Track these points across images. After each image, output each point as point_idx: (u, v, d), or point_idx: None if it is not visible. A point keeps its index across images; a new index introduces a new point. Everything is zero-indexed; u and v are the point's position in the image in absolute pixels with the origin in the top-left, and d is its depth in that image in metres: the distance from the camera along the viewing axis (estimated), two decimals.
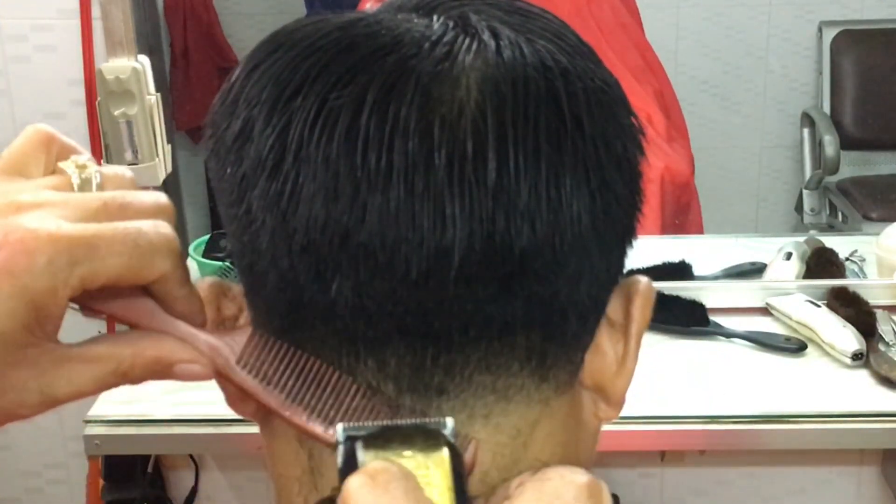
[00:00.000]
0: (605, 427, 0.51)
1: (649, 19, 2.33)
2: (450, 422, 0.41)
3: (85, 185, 0.45)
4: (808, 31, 2.84)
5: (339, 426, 0.40)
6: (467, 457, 0.43)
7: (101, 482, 1.80)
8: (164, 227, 0.43)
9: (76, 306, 0.44)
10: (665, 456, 1.82)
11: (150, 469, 1.81)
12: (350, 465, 0.39)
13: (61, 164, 0.45)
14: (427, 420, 0.41)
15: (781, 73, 2.87)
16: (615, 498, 1.85)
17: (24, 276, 0.40)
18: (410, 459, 0.40)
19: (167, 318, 0.45)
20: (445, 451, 0.40)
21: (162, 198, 0.46)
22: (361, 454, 0.40)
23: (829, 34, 2.81)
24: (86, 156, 0.46)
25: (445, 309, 0.42)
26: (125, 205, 0.44)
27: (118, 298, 0.45)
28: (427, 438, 0.41)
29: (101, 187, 0.45)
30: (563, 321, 0.45)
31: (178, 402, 1.49)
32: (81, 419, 1.50)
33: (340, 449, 0.40)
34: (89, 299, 0.44)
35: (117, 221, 0.42)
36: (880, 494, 1.82)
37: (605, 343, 0.48)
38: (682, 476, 1.86)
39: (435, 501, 0.39)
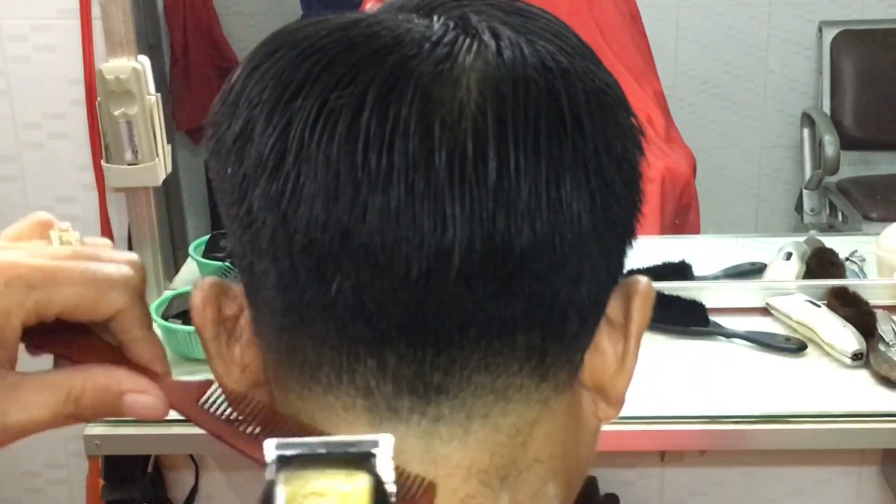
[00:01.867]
0: (605, 427, 0.51)
1: (649, 19, 2.33)
2: (384, 443, 0.39)
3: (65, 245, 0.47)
4: (808, 31, 2.85)
5: (270, 443, 0.38)
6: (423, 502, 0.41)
7: (101, 482, 1.80)
8: (125, 268, 0.45)
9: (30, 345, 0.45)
10: (665, 456, 1.82)
11: (150, 469, 1.81)
12: (268, 498, 0.38)
13: (50, 233, 0.47)
14: (361, 439, 0.39)
15: (781, 73, 2.87)
16: (615, 498, 1.85)
17: None
18: (327, 497, 0.38)
19: (124, 361, 0.46)
20: (365, 483, 0.38)
21: (134, 256, 0.47)
22: (281, 488, 0.38)
23: (829, 34, 2.82)
24: (77, 234, 0.48)
25: (445, 309, 0.42)
26: (95, 255, 0.45)
27: (74, 340, 0.45)
28: (352, 464, 0.39)
29: None
30: (563, 321, 0.45)
31: None
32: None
33: (268, 470, 0.38)
34: (46, 340, 0.45)
35: (81, 261, 0.44)
36: (880, 494, 1.82)
37: (605, 343, 0.48)
38: (682, 476, 1.86)
39: None
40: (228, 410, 0.46)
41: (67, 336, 0.45)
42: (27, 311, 0.42)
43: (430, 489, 0.42)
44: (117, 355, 0.46)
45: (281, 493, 0.37)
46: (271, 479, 0.38)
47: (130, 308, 0.44)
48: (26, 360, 0.46)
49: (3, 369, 0.43)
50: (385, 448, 0.39)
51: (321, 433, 0.43)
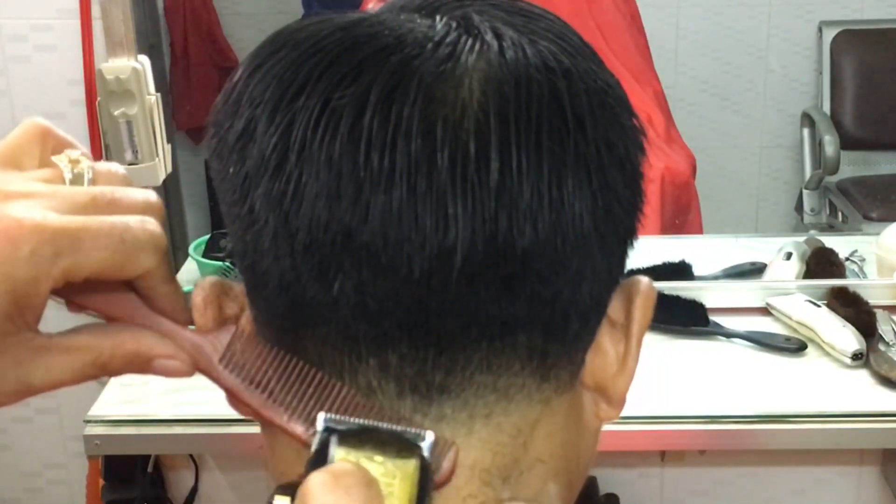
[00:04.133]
0: (606, 427, 0.51)
1: (649, 19, 2.33)
2: (429, 436, 0.41)
3: (76, 180, 0.45)
4: (808, 31, 2.85)
5: (322, 415, 0.40)
6: (446, 464, 0.42)
7: (101, 482, 1.80)
8: (150, 224, 0.43)
9: (61, 300, 0.44)
10: (665, 456, 1.83)
11: (150, 469, 1.81)
12: (321, 458, 0.40)
13: (54, 158, 0.45)
14: (408, 429, 0.41)
15: (781, 73, 2.87)
16: (615, 498, 1.85)
17: (7, 265, 0.40)
18: (380, 465, 0.40)
19: (150, 314, 0.46)
20: (415, 464, 0.40)
21: (152, 195, 0.46)
22: (333, 449, 0.40)
23: (829, 34, 2.82)
24: (79, 151, 0.46)
25: (447, 309, 0.42)
26: (114, 200, 0.44)
27: (102, 293, 0.44)
28: (402, 447, 0.40)
29: (92, 182, 0.45)
30: (565, 321, 0.45)
31: (178, 402, 1.49)
32: (81, 419, 1.50)
33: (316, 438, 0.40)
34: (73, 292, 0.44)
35: (105, 216, 0.42)
36: (880, 494, 1.82)
37: (607, 343, 0.48)
38: (682, 476, 1.86)
39: None
40: (252, 370, 0.45)
41: (96, 287, 0.44)
42: (54, 279, 0.41)
43: (455, 454, 0.43)
44: (142, 305, 0.46)
45: (334, 449, 0.39)
46: (323, 443, 0.40)
47: (157, 268, 0.43)
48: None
49: (31, 332, 0.42)
50: (429, 443, 0.41)
51: (357, 400, 0.43)
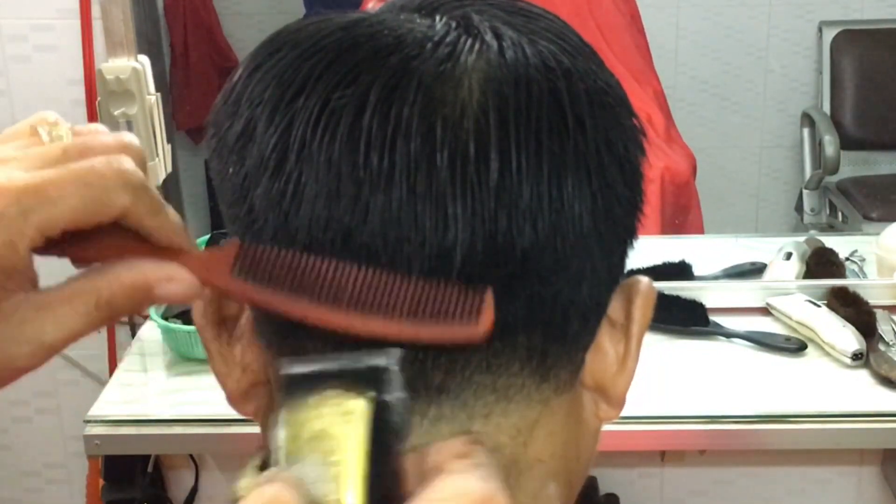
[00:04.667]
0: (606, 427, 0.51)
1: (649, 19, 2.33)
2: (394, 352, 0.38)
3: (55, 141, 0.44)
4: (808, 31, 2.85)
5: (283, 361, 0.38)
6: (488, 314, 0.39)
7: (101, 482, 1.80)
8: (118, 161, 0.42)
9: (64, 257, 0.43)
10: (665, 456, 1.83)
11: (150, 469, 1.81)
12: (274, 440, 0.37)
13: (38, 129, 0.44)
14: (370, 352, 0.38)
15: (781, 73, 2.87)
16: (615, 498, 1.85)
17: None
18: (325, 418, 0.37)
19: (148, 247, 0.43)
20: (363, 404, 0.37)
21: (128, 136, 0.44)
22: (282, 432, 0.37)
23: (829, 34, 2.82)
24: (55, 115, 0.45)
25: None
26: (86, 149, 0.42)
27: (96, 241, 0.43)
28: (357, 381, 0.37)
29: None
30: (565, 321, 0.45)
31: (178, 402, 1.49)
32: (81, 419, 1.50)
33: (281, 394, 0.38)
34: (65, 247, 0.42)
35: (71, 164, 0.41)
36: (880, 494, 1.82)
37: (606, 343, 0.48)
38: (682, 476, 1.86)
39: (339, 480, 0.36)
40: (265, 275, 0.43)
41: (83, 236, 0.42)
42: (30, 238, 0.40)
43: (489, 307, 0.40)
44: (140, 242, 0.44)
45: (282, 433, 0.37)
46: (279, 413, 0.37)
47: (135, 202, 0.42)
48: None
49: (25, 292, 0.41)
50: (394, 361, 0.38)
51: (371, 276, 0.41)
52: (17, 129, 0.45)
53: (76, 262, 0.44)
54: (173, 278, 0.43)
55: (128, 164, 0.42)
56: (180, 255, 0.44)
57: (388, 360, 0.38)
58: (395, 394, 0.38)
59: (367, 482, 0.36)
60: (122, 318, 0.43)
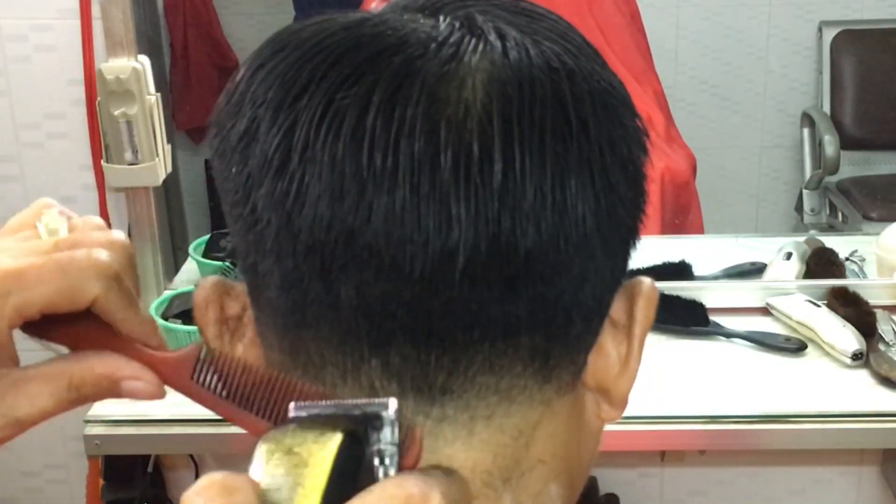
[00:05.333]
0: (606, 427, 0.51)
1: (649, 19, 2.33)
2: (392, 403, 0.39)
3: (52, 235, 0.48)
4: (808, 31, 2.85)
5: (292, 405, 0.40)
6: (413, 450, 0.41)
7: (101, 482, 1.80)
8: (96, 253, 0.45)
9: (42, 341, 0.47)
10: (665, 456, 1.83)
11: (150, 469, 1.81)
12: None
13: (36, 224, 0.48)
14: (373, 400, 0.40)
15: (781, 73, 2.87)
16: (615, 498, 1.85)
17: None
18: (301, 438, 0.39)
19: (121, 339, 0.47)
20: (333, 445, 0.38)
21: (118, 235, 0.48)
22: (259, 446, 0.39)
23: (829, 34, 2.82)
24: (55, 209, 0.49)
25: (450, 309, 0.42)
26: (76, 243, 0.46)
27: (71, 327, 0.46)
28: (337, 425, 0.39)
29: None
30: (567, 322, 0.45)
31: (177, 402, 1.48)
32: (81, 419, 1.49)
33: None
34: (41, 330, 0.46)
35: (53, 254, 0.45)
36: (880, 494, 1.82)
37: (609, 344, 0.48)
38: (682, 476, 1.86)
39: None
40: (222, 382, 0.46)
41: (66, 322, 0.46)
42: (8, 318, 0.43)
43: (413, 442, 0.41)
44: (114, 335, 0.47)
45: (259, 449, 0.39)
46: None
47: (106, 293, 0.45)
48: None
49: (6, 368, 0.45)
50: (390, 411, 0.39)
51: (322, 395, 0.44)
52: (22, 220, 0.49)
53: (54, 343, 0.47)
54: (140, 378, 0.47)
55: (104, 256, 0.45)
56: (146, 352, 0.47)
57: (385, 411, 0.39)
58: (382, 444, 0.39)
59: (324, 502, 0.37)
60: (89, 402, 0.46)
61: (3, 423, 0.45)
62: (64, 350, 0.48)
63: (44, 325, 0.45)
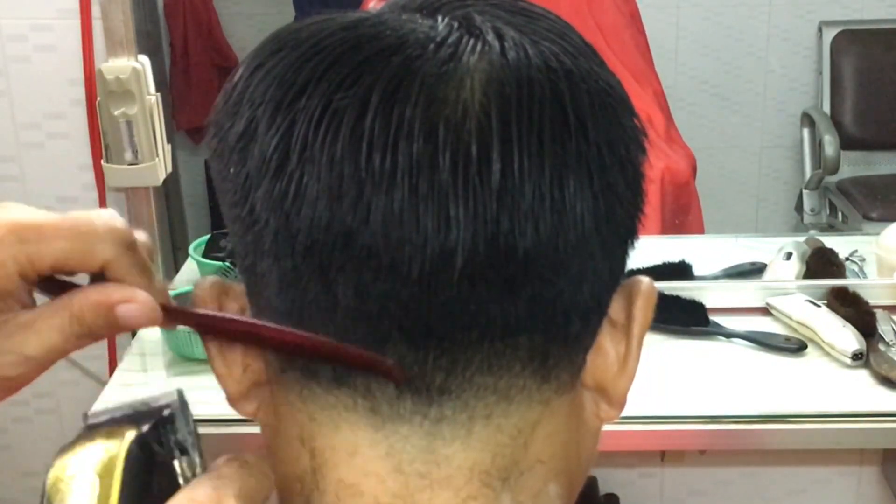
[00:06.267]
0: (606, 427, 0.51)
1: (649, 19, 2.33)
2: (174, 394, 0.41)
3: None
4: (808, 31, 2.85)
5: (87, 413, 0.42)
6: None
7: None
8: (113, 219, 0.46)
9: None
10: (665, 456, 1.83)
11: None
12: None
13: None
14: (154, 396, 0.42)
15: (781, 73, 2.87)
16: (615, 498, 1.85)
17: None
18: (76, 479, 0.40)
19: None
20: (121, 457, 0.39)
21: (138, 233, 0.48)
22: (48, 476, 0.40)
23: (829, 34, 2.82)
24: None
25: (448, 310, 0.42)
26: (92, 212, 0.46)
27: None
28: (124, 429, 0.41)
29: None
30: (566, 322, 0.45)
31: None
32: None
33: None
34: (53, 288, 0.46)
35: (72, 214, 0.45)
36: (880, 494, 1.82)
37: (607, 343, 0.48)
38: (682, 476, 1.86)
39: None
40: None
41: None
42: (21, 264, 0.44)
43: None
44: None
45: (47, 481, 0.40)
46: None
47: (118, 258, 0.45)
48: None
49: (13, 312, 0.45)
50: (175, 400, 0.41)
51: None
52: None
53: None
54: (132, 299, 0.46)
55: (120, 222, 0.46)
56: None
57: (171, 400, 0.42)
58: (178, 435, 0.41)
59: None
60: (97, 336, 0.46)
61: (14, 360, 0.45)
62: None
63: (60, 290, 0.46)
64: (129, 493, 0.38)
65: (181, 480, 0.41)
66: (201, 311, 0.48)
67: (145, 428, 0.40)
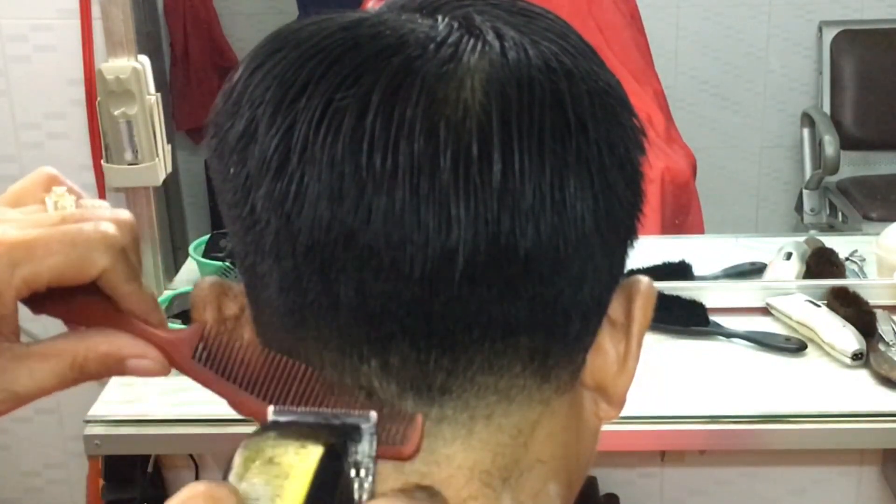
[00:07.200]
0: (606, 427, 0.51)
1: (649, 19, 2.33)
2: (372, 416, 0.40)
3: (59, 212, 0.47)
4: (808, 31, 2.85)
5: (270, 409, 0.40)
6: (414, 438, 0.42)
7: (101, 482, 1.80)
8: (104, 226, 0.45)
9: (49, 316, 0.46)
10: (665, 456, 1.83)
11: (150, 469, 1.81)
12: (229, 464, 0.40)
13: (46, 197, 0.48)
14: (352, 412, 0.41)
15: (781, 73, 2.87)
16: (615, 498, 1.85)
17: None
18: (281, 448, 0.39)
19: (123, 317, 0.47)
20: (313, 459, 0.39)
21: (123, 213, 0.47)
22: (239, 452, 0.40)
23: (829, 34, 2.82)
24: (64, 188, 0.48)
25: (449, 310, 0.42)
26: (83, 217, 0.46)
27: (76, 302, 0.46)
28: (318, 436, 0.40)
29: None
30: (566, 322, 0.45)
31: (178, 402, 1.49)
32: (81, 419, 1.50)
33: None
34: (47, 304, 0.46)
35: (61, 226, 0.44)
36: (880, 494, 1.82)
37: (607, 343, 0.48)
38: (682, 476, 1.86)
39: None
40: (223, 362, 0.47)
41: (69, 296, 0.46)
42: (17, 288, 0.43)
43: (416, 430, 0.42)
44: (116, 311, 0.47)
45: (238, 456, 0.39)
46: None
47: (113, 266, 0.45)
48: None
49: (8, 342, 0.45)
50: (370, 424, 0.40)
51: (323, 382, 0.44)
52: (23, 189, 0.48)
53: (56, 318, 0.47)
54: (145, 356, 0.46)
55: (112, 229, 0.45)
56: (148, 330, 0.47)
57: (364, 423, 0.41)
58: (359, 456, 0.40)
59: None
60: (91, 380, 0.47)
61: (2, 396, 0.45)
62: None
63: (45, 300, 0.45)
64: (314, 499, 0.38)
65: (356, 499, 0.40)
66: (199, 370, 0.47)
67: (339, 440, 0.40)
